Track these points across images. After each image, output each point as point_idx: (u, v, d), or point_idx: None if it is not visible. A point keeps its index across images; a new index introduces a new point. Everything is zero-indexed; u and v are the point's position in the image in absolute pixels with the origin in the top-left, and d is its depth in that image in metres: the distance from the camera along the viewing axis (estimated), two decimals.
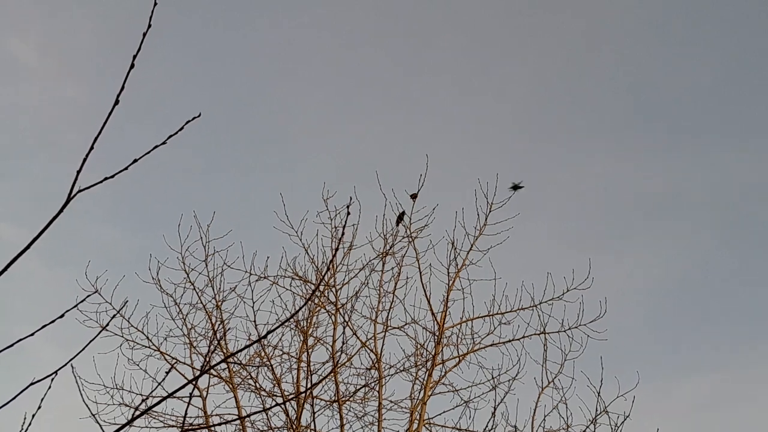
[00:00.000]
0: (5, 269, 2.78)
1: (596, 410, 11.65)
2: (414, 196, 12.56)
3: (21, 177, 18.46)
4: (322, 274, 12.33)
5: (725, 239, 20.39)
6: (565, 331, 12.29)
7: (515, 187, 12.60)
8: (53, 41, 18.95)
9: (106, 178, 2.93)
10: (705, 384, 18.37)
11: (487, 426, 11.77)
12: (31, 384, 3.42)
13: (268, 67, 20.70)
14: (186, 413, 3.95)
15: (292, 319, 12.09)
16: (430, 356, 12.17)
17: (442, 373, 12.18)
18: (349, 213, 4.12)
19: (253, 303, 12.21)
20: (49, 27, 18.86)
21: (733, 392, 18.73)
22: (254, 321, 12.15)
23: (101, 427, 3.30)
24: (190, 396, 3.87)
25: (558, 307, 12.44)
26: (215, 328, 12.20)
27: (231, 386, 12.08)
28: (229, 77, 20.39)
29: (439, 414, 12.10)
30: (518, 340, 12.32)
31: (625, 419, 11.47)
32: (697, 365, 18.34)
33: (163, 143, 2.98)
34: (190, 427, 11.03)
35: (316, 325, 12.36)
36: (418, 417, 11.80)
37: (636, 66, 21.43)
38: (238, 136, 19.67)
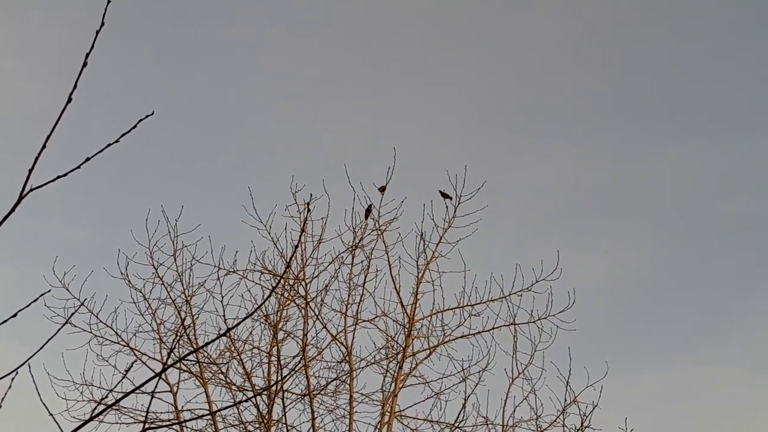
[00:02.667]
0: None
1: (566, 400, 11.77)
2: (382, 189, 12.57)
3: None
4: (288, 261, 12.30)
5: (692, 230, 20.56)
6: (534, 322, 12.38)
7: (444, 196, 12.67)
8: (6, 37, 18.77)
9: (58, 176, 2.92)
10: (672, 373, 18.54)
11: (458, 417, 11.86)
12: None
13: (232, 60, 20.64)
14: (149, 408, 3.94)
15: (261, 313, 12.09)
16: (401, 348, 12.21)
17: (413, 366, 12.24)
18: (309, 210, 4.13)
19: (222, 297, 12.20)
20: (2, 22, 18.68)
21: (699, 381, 18.93)
22: (224, 316, 12.14)
23: (59, 426, 3.30)
24: (153, 390, 3.87)
25: (527, 298, 12.51)
26: (184, 323, 12.17)
27: (201, 381, 12.07)
28: (195, 70, 20.31)
29: (411, 406, 12.18)
30: (488, 331, 12.40)
31: (593, 408, 11.60)
32: (665, 355, 18.51)
33: (116, 141, 2.98)
34: (156, 421, 11.02)
35: (286, 319, 12.38)
36: (389, 409, 11.84)
37: (607, 55, 21.52)
38: (205, 130, 19.60)
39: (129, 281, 12.46)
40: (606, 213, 20.51)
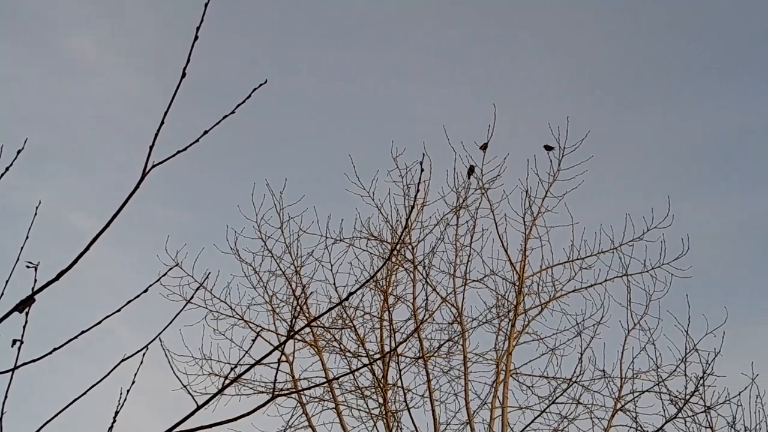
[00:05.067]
0: (86, 249, 2.81)
1: (686, 349, 11.53)
2: (484, 147, 12.44)
3: (89, 169, 18.78)
4: (398, 233, 12.35)
5: None
6: (648, 272, 12.15)
7: (548, 149, 12.43)
8: (112, 37, 19.15)
9: (178, 151, 2.94)
10: None
11: (574, 372, 11.75)
12: (123, 360, 3.46)
13: (334, 29, 20.61)
14: (276, 379, 3.98)
15: (371, 280, 12.14)
16: (512, 306, 12.14)
17: (526, 323, 12.15)
18: (422, 170, 4.08)
19: (332, 266, 12.30)
20: (107, 23, 19.07)
21: None
22: (334, 284, 12.24)
23: (193, 398, 3.33)
24: (279, 362, 3.89)
25: (639, 248, 12.32)
26: (296, 294, 12.31)
27: (316, 350, 12.21)
28: (295, 39, 20.35)
29: (525, 363, 12.10)
30: (600, 284, 12.22)
31: (716, 356, 11.34)
32: None
33: (232, 113, 2.98)
34: (280, 392, 11.20)
35: (395, 284, 12.40)
36: (504, 368, 11.79)
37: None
38: (303, 101, 19.66)
39: (239, 256, 12.65)
40: (719, 161, 19.88)
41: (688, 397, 11.31)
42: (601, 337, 11.93)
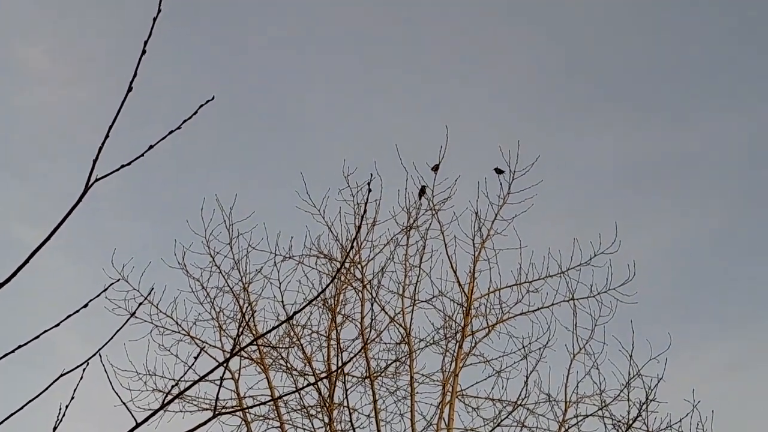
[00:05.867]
0: (26, 261, 2.78)
1: (629, 374, 11.64)
2: (435, 168, 12.49)
3: (35, 178, 18.58)
4: (347, 251, 12.34)
5: (755, 199, 20.15)
6: (594, 297, 12.26)
7: (498, 172, 12.54)
8: (62, 46, 19.01)
9: (122, 166, 2.91)
10: (738, 345, 18.24)
11: (520, 395, 11.80)
12: (62, 375, 3.41)
13: (279, 46, 20.64)
14: (218, 396, 3.96)
15: (319, 298, 12.12)
16: (460, 328, 12.17)
17: (473, 345, 12.19)
18: (370, 189, 4.11)
19: (280, 283, 12.26)
20: (58, 31, 18.93)
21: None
22: (282, 301, 12.20)
23: (132, 415, 3.30)
24: (221, 379, 3.87)
25: (586, 273, 12.38)
26: (243, 311, 12.24)
27: (262, 367, 12.14)
28: (239, 59, 20.35)
29: (472, 385, 12.12)
30: (547, 307, 12.29)
31: (658, 382, 11.46)
32: (730, 326, 18.20)
33: (178, 128, 2.96)
34: (223, 409, 11.11)
35: (343, 303, 12.39)
36: (450, 389, 11.81)
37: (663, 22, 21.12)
38: (255, 116, 19.64)
39: (187, 271, 12.57)
40: (665, 184, 20.19)
41: (631, 422, 11.41)
42: (547, 360, 12.02)
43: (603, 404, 11.64)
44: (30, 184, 18.96)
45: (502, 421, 11.78)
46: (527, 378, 11.80)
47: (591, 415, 11.66)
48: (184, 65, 19.03)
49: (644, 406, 11.39)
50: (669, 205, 19.83)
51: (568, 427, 11.66)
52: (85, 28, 19.65)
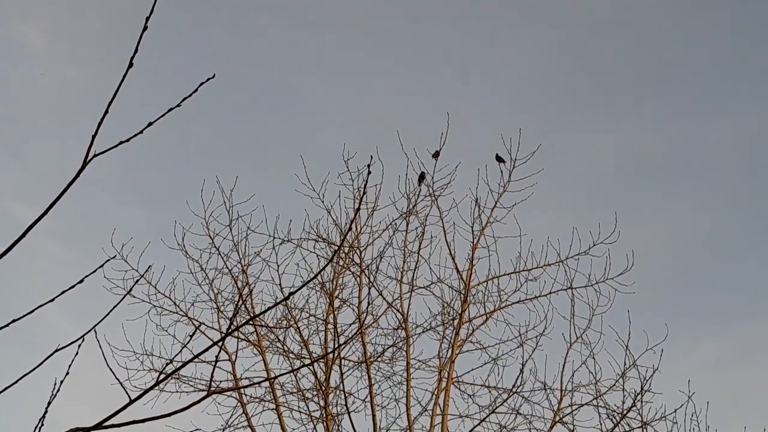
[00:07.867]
0: (23, 236, 2.77)
1: (625, 364, 11.65)
2: (436, 155, 12.48)
3: (32, 157, 18.53)
4: (345, 233, 12.33)
5: (754, 194, 20.16)
6: (592, 286, 12.27)
7: (499, 160, 12.50)
8: (61, 25, 18.93)
9: (121, 142, 2.91)
10: (734, 337, 18.27)
11: (515, 383, 11.81)
12: (57, 350, 3.42)
13: (281, 28, 20.59)
14: (212, 376, 3.96)
15: (317, 282, 12.13)
16: (457, 315, 12.18)
17: (470, 332, 12.20)
18: (370, 171, 4.08)
19: (278, 266, 12.27)
20: (56, 10, 18.85)
21: (762, 346, 18.61)
22: (280, 284, 12.22)
23: (126, 392, 3.31)
24: (216, 359, 3.88)
25: (584, 262, 12.38)
26: (241, 292, 12.24)
27: (259, 349, 12.15)
28: (244, 38, 20.29)
29: (468, 372, 12.15)
30: (545, 296, 12.31)
31: (654, 372, 11.47)
32: (727, 317, 18.22)
33: (178, 105, 2.95)
34: (217, 389, 11.11)
35: (341, 287, 12.39)
36: (446, 375, 11.83)
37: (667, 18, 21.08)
38: (257, 100, 19.60)
39: (186, 252, 12.56)
40: (664, 178, 20.18)
41: (625, 412, 11.43)
42: (543, 349, 12.02)
43: (598, 394, 11.67)
44: (26, 164, 18.93)
45: (497, 408, 11.80)
46: (523, 366, 11.82)
47: (586, 404, 11.68)
48: (185, 47, 18.98)
49: (639, 397, 11.41)
50: (668, 199, 19.83)
51: (563, 416, 11.68)
52: (83, 7, 19.57)
